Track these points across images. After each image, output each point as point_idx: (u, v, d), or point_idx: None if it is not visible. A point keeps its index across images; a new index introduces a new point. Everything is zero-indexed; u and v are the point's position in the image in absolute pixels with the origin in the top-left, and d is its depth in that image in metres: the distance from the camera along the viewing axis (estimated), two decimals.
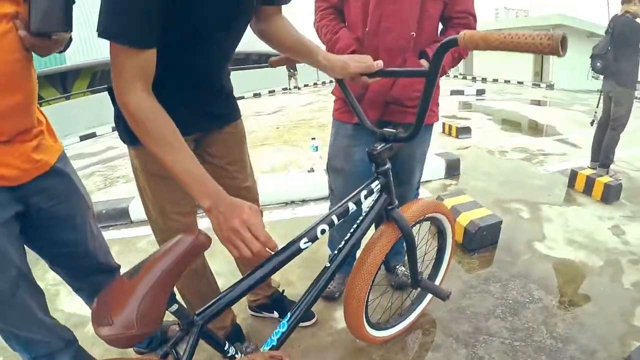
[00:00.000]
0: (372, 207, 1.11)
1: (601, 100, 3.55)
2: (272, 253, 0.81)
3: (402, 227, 1.15)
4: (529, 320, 1.63)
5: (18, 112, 0.84)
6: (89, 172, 4.46)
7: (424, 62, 1.37)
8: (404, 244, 1.27)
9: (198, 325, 0.80)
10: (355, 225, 1.10)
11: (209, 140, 1.18)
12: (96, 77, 17.10)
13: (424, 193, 3.05)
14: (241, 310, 1.71)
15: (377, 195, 1.11)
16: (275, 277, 1.76)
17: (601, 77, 3.46)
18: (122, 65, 0.73)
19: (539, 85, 14.59)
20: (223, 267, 1.95)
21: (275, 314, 1.65)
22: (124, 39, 0.70)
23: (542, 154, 4.21)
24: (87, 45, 15.99)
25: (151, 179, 1.10)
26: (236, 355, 0.92)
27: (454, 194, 2.56)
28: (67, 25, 0.83)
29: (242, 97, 11.71)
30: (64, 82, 17.19)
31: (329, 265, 1.06)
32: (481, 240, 2.15)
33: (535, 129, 5.86)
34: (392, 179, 1.14)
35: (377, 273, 1.20)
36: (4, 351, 1.26)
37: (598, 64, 3.28)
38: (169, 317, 0.75)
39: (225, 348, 0.90)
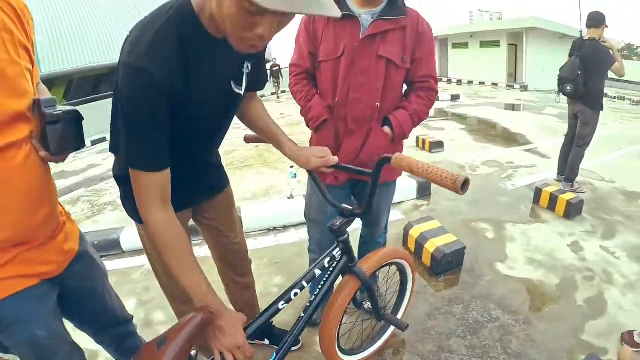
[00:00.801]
0: (334, 268, 1.30)
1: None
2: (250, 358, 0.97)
3: (362, 279, 1.36)
4: (487, 338, 1.82)
5: (48, 219, 0.94)
6: (75, 197, 4.49)
7: (387, 129, 1.47)
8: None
9: None
10: (322, 283, 1.28)
11: (204, 207, 1.35)
12: (72, 86, 15.84)
13: (396, 215, 3.18)
14: None
15: (339, 259, 1.31)
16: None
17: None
18: (144, 186, 0.86)
19: (513, 87, 15.07)
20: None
21: (266, 342, 1.82)
22: (144, 166, 0.85)
23: (511, 167, 4.45)
24: (62, 52, 14.59)
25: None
26: None
27: (423, 220, 2.71)
28: (81, 142, 0.97)
29: None
30: None
31: (302, 315, 1.25)
32: (447, 265, 2.31)
33: (508, 138, 6.10)
34: (351, 245, 1.31)
35: (345, 312, 1.39)
36: None
37: (568, 88, 3.33)
38: None
39: None
